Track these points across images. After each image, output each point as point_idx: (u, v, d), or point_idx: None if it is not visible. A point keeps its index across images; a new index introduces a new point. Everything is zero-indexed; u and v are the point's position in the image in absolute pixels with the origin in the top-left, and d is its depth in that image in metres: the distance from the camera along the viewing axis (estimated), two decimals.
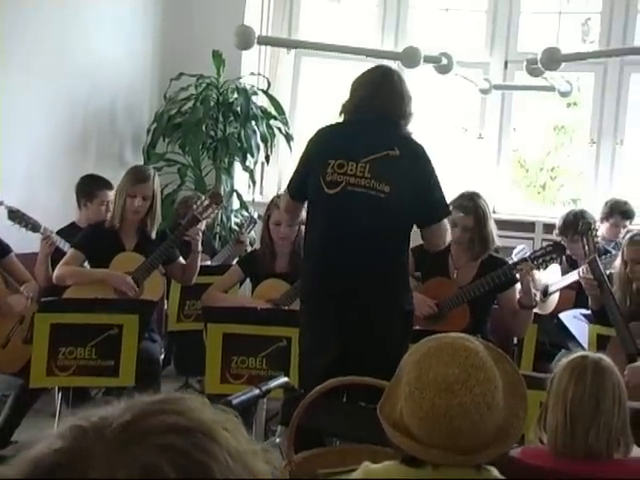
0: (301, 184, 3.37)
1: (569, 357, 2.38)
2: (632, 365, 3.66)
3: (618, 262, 3.92)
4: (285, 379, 2.54)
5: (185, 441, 0.78)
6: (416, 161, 3.23)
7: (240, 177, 6.32)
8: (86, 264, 4.35)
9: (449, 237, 3.47)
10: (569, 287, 4.79)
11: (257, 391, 2.38)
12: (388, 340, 3.18)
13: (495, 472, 1.73)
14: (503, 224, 6.44)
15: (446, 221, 3.37)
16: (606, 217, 5.47)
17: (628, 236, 3.93)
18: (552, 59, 4.74)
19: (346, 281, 3.21)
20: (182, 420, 0.80)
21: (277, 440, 2.52)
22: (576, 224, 4.68)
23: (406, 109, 3.31)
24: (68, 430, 0.81)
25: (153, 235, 4.33)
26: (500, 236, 6.04)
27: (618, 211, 5.40)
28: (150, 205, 4.28)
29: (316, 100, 7.15)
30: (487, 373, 1.70)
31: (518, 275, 4.05)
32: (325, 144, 3.31)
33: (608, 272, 4.17)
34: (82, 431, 0.80)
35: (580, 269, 4.18)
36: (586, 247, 4.00)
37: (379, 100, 3.25)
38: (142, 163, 5.95)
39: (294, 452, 2.41)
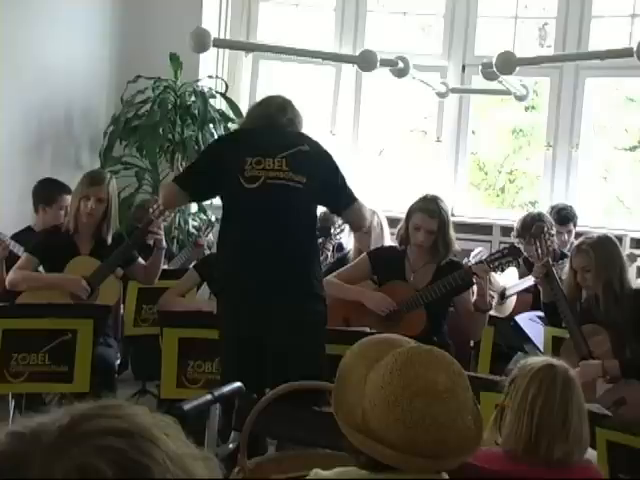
0: (198, 179, 3.52)
1: (532, 362, 2.38)
2: (584, 362, 3.70)
3: (566, 270, 3.96)
4: (239, 384, 2.52)
5: (123, 443, 0.79)
6: (323, 155, 3.52)
7: None
8: (41, 269, 4.30)
9: (369, 216, 3.81)
10: (526, 290, 4.83)
11: (209, 396, 2.36)
12: (307, 326, 3.36)
13: (445, 475, 1.73)
14: (461, 227, 6.50)
15: (360, 201, 3.59)
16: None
17: (575, 244, 3.97)
18: (507, 63, 4.78)
19: (269, 270, 3.34)
20: (121, 423, 0.81)
21: (230, 446, 2.50)
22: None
23: (293, 116, 3.57)
24: (6, 436, 0.81)
25: (109, 239, 4.29)
26: (458, 239, 6.07)
27: (553, 218, 5.48)
28: (105, 209, 4.24)
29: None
30: (465, 380, 1.70)
31: (474, 278, 4.07)
32: (239, 144, 3.50)
33: (564, 277, 4.22)
34: (20, 436, 0.80)
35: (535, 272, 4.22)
36: (539, 250, 4.03)
37: (271, 111, 3.53)
38: (99, 166, 5.90)
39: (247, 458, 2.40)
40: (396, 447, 1.63)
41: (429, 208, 4.16)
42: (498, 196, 8.85)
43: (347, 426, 1.71)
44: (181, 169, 4.69)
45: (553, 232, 4.87)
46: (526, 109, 8.54)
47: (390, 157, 8.53)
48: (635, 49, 4.45)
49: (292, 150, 3.41)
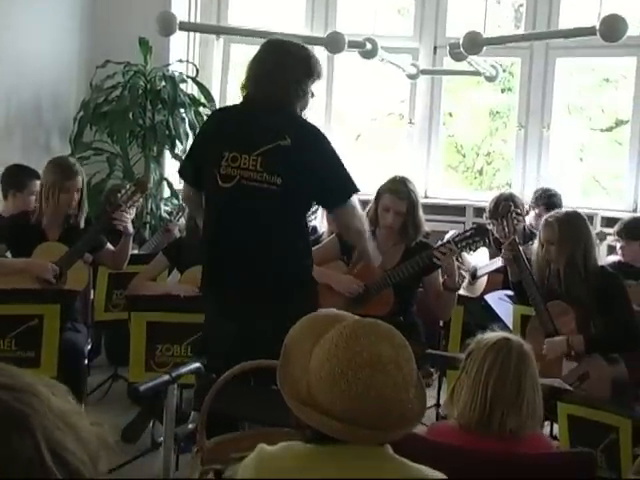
0: (196, 171, 3.35)
1: (488, 336, 2.41)
2: (550, 339, 3.73)
3: (535, 245, 3.98)
4: (197, 365, 2.53)
5: (6, 395, 0.88)
6: (309, 149, 3.16)
7: (171, 165, 6.27)
8: (8, 254, 4.29)
9: (364, 220, 3.45)
10: (497, 270, 4.86)
11: (167, 377, 2.37)
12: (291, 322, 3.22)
13: (389, 447, 1.74)
14: (435, 208, 6.54)
15: (355, 203, 3.28)
16: (532, 206, 5.58)
17: (544, 218, 3.99)
18: (473, 43, 4.78)
19: (240, 273, 3.21)
20: (6, 380, 0.90)
21: (190, 426, 2.51)
22: None
23: (299, 90, 3.20)
24: None
25: (82, 224, 4.30)
26: (432, 220, 6.13)
27: (542, 202, 5.51)
28: (80, 197, 4.27)
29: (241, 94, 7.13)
30: (409, 352, 1.72)
31: (442, 258, 4.08)
32: (219, 134, 3.27)
33: (534, 258, 4.24)
34: None
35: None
36: (505, 229, 4.05)
37: (270, 82, 3.17)
38: (69, 152, 5.87)
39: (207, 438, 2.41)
40: (341, 419, 1.65)
41: (398, 189, 4.17)
42: (476, 178, 8.87)
43: (293, 400, 1.72)
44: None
45: (522, 212, 4.91)
46: (502, 91, 8.56)
47: (367, 140, 8.55)
48: (598, 27, 4.46)
49: (270, 146, 3.13)
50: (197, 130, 5.78)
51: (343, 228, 3.49)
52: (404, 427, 1.71)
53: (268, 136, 3.15)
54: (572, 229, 3.80)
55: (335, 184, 3.24)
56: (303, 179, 3.17)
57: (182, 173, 3.55)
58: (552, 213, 3.96)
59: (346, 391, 1.64)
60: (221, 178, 3.19)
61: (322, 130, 3.28)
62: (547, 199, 5.60)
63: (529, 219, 5.58)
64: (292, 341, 1.81)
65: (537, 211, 5.51)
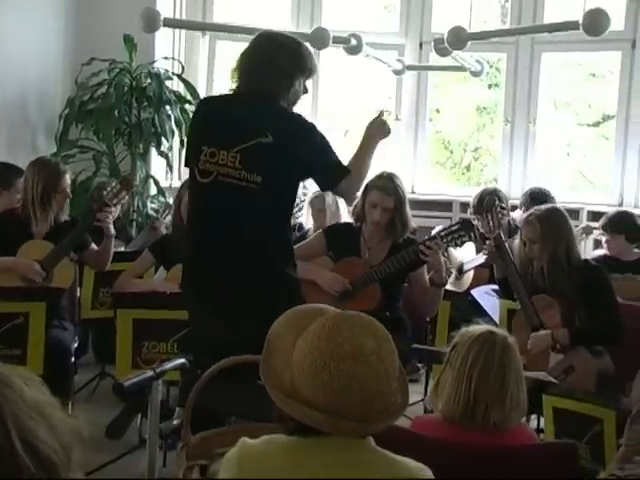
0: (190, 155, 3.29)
1: (472, 329, 2.42)
2: (535, 334, 3.75)
3: (517, 242, 3.99)
4: (182, 360, 2.53)
5: None
6: (292, 145, 3.07)
7: (157, 163, 6.27)
8: None
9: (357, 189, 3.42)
10: (483, 265, 4.87)
11: (151, 373, 2.37)
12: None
13: (371, 440, 1.75)
14: (421, 204, 6.56)
15: (349, 177, 3.16)
16: (522, 206, 5.60)
17: (524, 216, 4.01)
18: (458, 38, 4.79)
19: (221, 271, 3.14)
20: None
21: (175, 422, 2.51)
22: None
23: (289, 85, 3.14)
24: None
25: (63, 218, 4.32)
26: (418, 216, 6.15)
27: (535, 203, 5.51)
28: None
29: (232, 84, 7.12)
30: (392, 345, 1.73)
31: (427, 253, 4.09)
32: (201, 127, 3.22)
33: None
34: None
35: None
36: (490, 223, 4.06)
37: (260, 75, 3.10)
38: (55, 150, 5.86)
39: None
40: (324, 410, 1.65)
41: (385, 186, 4.17)
42: (463, 174, 8.90)
43: (276, 392, 1.73)
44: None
45: (505, 206, 4.93)
46: (489, 86, 8.59)
47: (355, 137, 8.55)
48: (581, 22, 4.48)
49: (250, 143, 3.05)
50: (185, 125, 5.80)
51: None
52: (387, 419, 1.72)
53: (249, 132, 3.07)
54: (553, 226, 3.82)
55: (326, 171, 3.15)
56: (286, 177, 3.10)
57: (185, 162, 3.42)
58: (531, 211, 3.96)
59: (328, 382, 1.65)
60: (199, 173, 3.13)
61: (310, 122, 3.19)
62: (540, 198, 5.61)
63: (518, 218, 5.59)
64: (275, 334, 1.82)
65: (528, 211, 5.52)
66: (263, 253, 3.14)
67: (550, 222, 3.81)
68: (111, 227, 4.26)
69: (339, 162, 3.17)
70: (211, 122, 3.19)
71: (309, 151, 3.10)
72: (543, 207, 3.98)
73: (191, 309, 3.34)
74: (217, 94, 3.44)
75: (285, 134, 3.08)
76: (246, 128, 3.08)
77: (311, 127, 3.15)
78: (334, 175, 3.15)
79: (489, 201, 4.34)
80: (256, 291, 3.13)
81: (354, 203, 4.33)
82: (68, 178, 4.32)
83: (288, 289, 3.19)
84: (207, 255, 3.18)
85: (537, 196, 5.59)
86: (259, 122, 3.08)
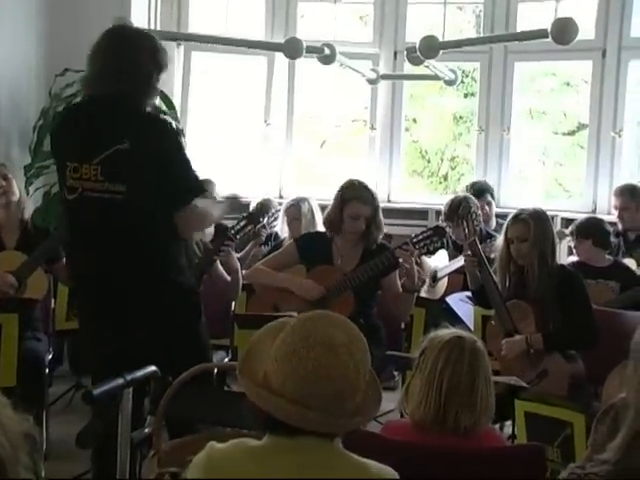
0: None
1: (441, 334, 2.43)
2: (509, 339, 3.77)
3: (500, 242, 4.00)
4: (153, 368, 2.52)
5: None
6: (150, 148, 2.95)
7: None
8: None
9: (205, 222, 3.30)
10: (457, 271, 4.90)
11: (121, 380, 2.36)
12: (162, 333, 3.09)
13: (339, 442, 1.76)
14: (397, 213, 6.60)
15: (199, 206, 3.06)
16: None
17: (512, 214, 4.01)
18: (430, 47, 4.83)
19: (100, 287, 3.07)
20: None
21: (146, 430, 2.50)
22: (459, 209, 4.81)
23: (149, 86, 3.06)
24: None
25: (25, 216, 4.30)
26: (394, 224, 6.18)
27: (472, 193, 5.63)
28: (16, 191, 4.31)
29: (208, 95, 7.15)
30: (364, 344, 1.75)
31: (400, 259, 4.11)
32: (61, 143, 3.11)
33: (492, 255, 4.28)
34: None
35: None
36: (466, 230, 4.09)
37: (119, 79, 2.96)
38: (29, 161, 5.84)
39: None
40: (291, 399, 1.67)
41: (364, 196, 4.18)
42: (441, 183, 8.94)
43: (247, 381, 1.75)
44: None
45: (479, 213, 4.97)
46: (465, 96, 8.65)
47: (332, 147, 8.59)
48: (550, 30, 4.53)
49: (109, 151, 2.92)
50: None
51: (183, 233, 3.14)
52: (355, 418, 1.73)
53: (106, 141, 2.94)
54: (544, 226, 3.86)
55: (178, 186, 3.01)
56: (149, 182, 2.95)
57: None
58: (519, 210, 3.97)
59: (296, 369, 1.67)
60: (67, 190, 3.03)
61: (174, 128, 3.11)
62: (471, 189, 5.80)
63: None
64: (255, 338, 1.85)
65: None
66: (138, 268, 3.02)
67: (542, 221, 3.84)
68: None
69: (197, 177, 3.06)
70: (70, 135, 3.07)
71: (168, 156, 2.97)
72: (530, 208, 3.98)
73: (81, 323, 3.31)
74: (73, 105, 3.32)
75: (142, 137, 2.96)
76: (103, 137, 2.96)
77: (170, 131, 3.04)
78: (190, 190, 3.03)
79: (464, 208, 4.37)
80: (136, 299, 3.06)
81: (327, 212, 4.34)
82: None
83: (174, 301, 3.11)
84: (82, 272, 3.13)
85: (481, 188, 5.81)
86: (115, 129, 2.96)
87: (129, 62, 3.01)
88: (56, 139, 3.22)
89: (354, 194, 4.18)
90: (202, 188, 3.09)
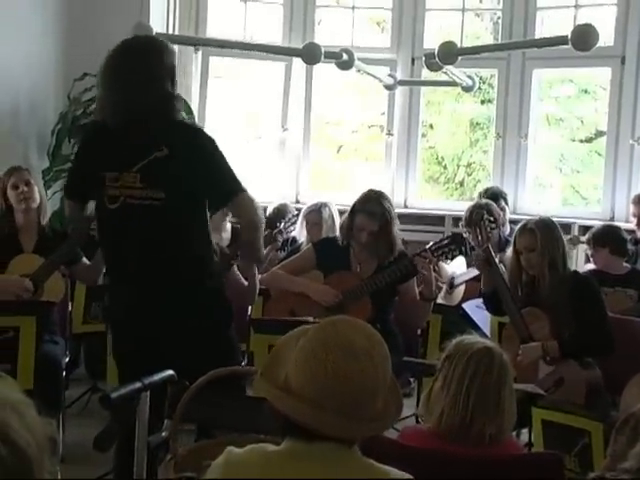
0: (79, 184, 3.27)
1: (468, 342, 2.41)
2: (526, 345, 3.75)
3: (509, 254, 3.99)
4: (170, 372, 2.52)
5: None
6: (189, 155, 3.02)
7: None
8: None
9: (259, 213, 3.26)
10: (475, 279, 4.87)
11: (138, 384, 2.36)
12: (201, 336, 3.14)
13: (357, 449, 1.75)
14: (414, 219, 6.59)
15: (247, 197, 3.13)
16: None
17: (519, 225, 4.01)
18: (448, 53, 4.82)
19: (142, 293, 3.12)
20: None
21: (163, 434, 2.51)
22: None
23: (173, 96, 3.07)
24: None
25: (43, 222, 4.31)
26: (411, 230, 6.18)
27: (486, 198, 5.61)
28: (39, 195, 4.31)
29: (225, 99, 7.17)
30: (386, 350, 1.75)
31: (418, 267, 4.10)
32: (98, 155, 3.14)
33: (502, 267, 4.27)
34: None
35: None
36: (479, 237, 4.07)
37: (144, 93, 2.98)
38: (47, 165, 5.87)
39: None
40: (310, 401, 1.66)
41: (371, 210, 4.16)
42: (457, 189, 8.94)
43: (268, 384, 1.74)
44: None
45: (494, 219, 4.92)
46: (482, 102, 8.65)
47: (349, 153, 8.61)
48: (569, 37, 4.51)
49: (147, 159, 3.00)
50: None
51: (243, 220, 3.24)
52: (374, 424, 1.72)
53: (144, 149, 3.02)
54: (552, 234, 3.84)
55: (222, 183, 3.09)
56: (188, 187, 3.03)
57: (69, 193, 3.37)
58: (526, 221, 3.97)
59: (316, 372, 1.67)
60: (108, 200, 3.09)
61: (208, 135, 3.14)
62: (484, 194, 5.77)
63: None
64: (281, 342, 1.85)
65: None
66: (174, 267, 3.08)
67: (549, 230, 3.83)
68: None
69: (236, 179, 3.11)
70: (105, 147, 3.11)
71: (208, 159, 3.04)
72: (537, 217, 3.98)
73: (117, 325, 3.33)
74: (96, 120, 3.32)
75: (180, 144, 3.03)
76: (141, 146, 3.03)
77: (206, 137, 3.10)
78: (230, 190, 3.09)
79: (477, 215, 4.36)
80: (176, 308, 3.09)
81: (341, 221, 4.35)
82: (24, 174, 4.29)
83: (211, 304, 3.18)
84: (125, 278, 3.17)
85: (489, 191, 5.80)
86: (152, 136, 3.03)
87: (150, 79, 3.01)
88: (88, 152, 3.24)
89: (363, 207, 4.19)
90: (241, 187, 3.11)
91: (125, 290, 3.18)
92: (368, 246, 4.20)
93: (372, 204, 4.19)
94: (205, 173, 3.03)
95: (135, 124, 3.03)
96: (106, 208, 3.10)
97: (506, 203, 6.02)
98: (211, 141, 3.09)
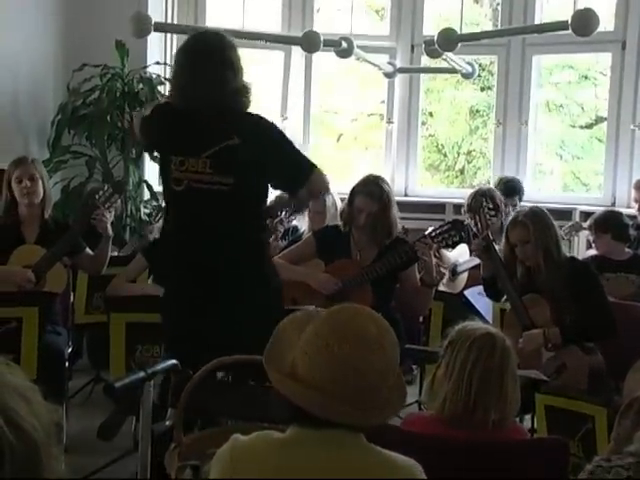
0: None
1: (470, 328, 2.42)
2: (528, 332, 3.76)
3: (502, 245, 3.99)
4: (174, 361, 2.53)
5: None
6: (259, 143, 3.12)
7: (150, 167, 6.27)
8: None
9: (328, 183, 3.41)
10: (477, 266, 4.87)
11: (142, 373, 2.37)
12: (258, 322, 3.09)
13: (363, 437, 1.75)
14: (414, 206, 6.59)
15: (318, 173, 3.24)
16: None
17: (510, 218, 3.99)
18: (448, 40, 4.80)
19: (203, 278, 3.19)
20: None
21: (167, 423, 2.51)
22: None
23: (236, 85, 3.13)
24: None
25: (47, 215, 4.30)
26: (411, 218, 6.16)
27: (500, 190, 5.54)
28: (43, 188, 4.27)
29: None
30: (394, 338, 1.75)
31: (418, 253, 4.10)
32: (164, 138, 3.23)
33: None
34: None
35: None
36: (479, 224, 4.07)
37: (215, 87, 3.08)
38: (47, 156, 5.87)
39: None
40: (320, 389, 1.66)
41: (371, 191, 4.18)
42: (457, 177, 8.92)
43: (275, 373, 1.74)
44: None
45: (495, 206, 4.90)
46: (482, 89, 8.63)
47: (349, 141, 8.59)
48: (570, 22, 4.50)
49: (219, 146, 3.10)
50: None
51: (320, 186, 3.36)
52: (381, 413, 1.73)
53: (215, 137, 3.11)
54: (544, 223, 3.84)
55: (292, 171, 3.22)
56: (256, 176, 3.14)
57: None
58: (516, 213, 3.97)
59: (329, 362, 1.66)
60: (172, 181, 3.18)
61: (274, 121, 3.25)
62: (503, 185, 5.72)
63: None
64: (281, 328, 1.85)
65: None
66: (237, 256, 3.17)
67: (540, 220, 3.82)
68: (109, 228, 4.25)
69: (306, 159, 3.25)
70: (174, 132, 3.19)
71: (275, 149, 3.15)
72: (527, 208, 3.98)
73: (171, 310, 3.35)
74: (164, 104, 3.42)
75: (250, 134, 3.12)
76: (212, 133, 3.12)
77: (273, 126, 3.22)
78: (302, 172, 3.20)
79: (476, 202, 4.36)
80: (232, 293, 3.17)
81: (341, 206, 4.36)
82: (30, 167, 4.26)
83: (266, 288, 3.25)
84: (188, 258, 3.22)
85: (509, 184, 5.71)
86: (223, 127, 3.12)
87: (227, 65, 3.10)
88: (157, 132, 3.29)
89: (362, 188, 4.21)
90: (313, 166, 3.22)
91: (188, 272, 3.23)
92: (367, 229, 4.20)
93: (371, 185, 4.21)
94: (277, 160, 3.16)
95: (208, 114, 3.11)
96: (171, 190, 3.19)
97: (520, 200, 5.90)
98: (277, 128, 3.24)
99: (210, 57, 3.11)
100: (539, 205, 4.23)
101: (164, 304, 3.41)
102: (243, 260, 3.20)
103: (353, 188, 4.26)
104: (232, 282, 3.17)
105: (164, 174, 3.23)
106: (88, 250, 4.34)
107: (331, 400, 1.65)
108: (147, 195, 6.24)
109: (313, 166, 3.22)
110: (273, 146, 3.16)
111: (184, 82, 3.14)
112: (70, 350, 4.41)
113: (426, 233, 4.30)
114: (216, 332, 3.14)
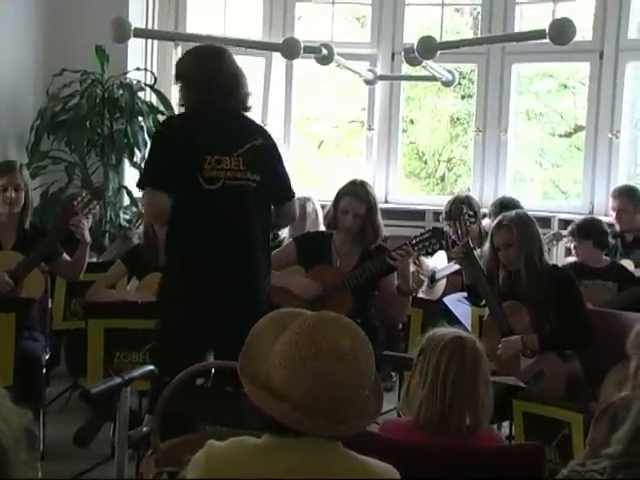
0: (168, 175, 3.29)
1: (440, 333, 2.43)
2: (506, 339, 3.77)
3: (486, 250, 4.00)
4: (151, 367, 2.52)
5: None
6: (272, 148, 3.42)
7: (130, 174, 6.25)
8: None
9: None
10: (456, 273, 4.89)
11: (119, 380, 2.36)
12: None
13: (340, 444, 1.75)
14: (394, 213, 6.60)
15: (294, 202, 3.55)
16: (492, 214, 5.62)
17: (495, 221, 4.02)
18: (428, 47, 4.83)
19: (233, 271, 3.28)
20: None
21: (144, 429, 2.50)
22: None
23: (246, 91, 3.40)
24: None
25: (27, 225, 4.26)
26: (391, 225, 6.17)
27: (505, 211, 5.52)
28: (25, 197, 4.24)
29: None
30: (370, 349, 1.74)
31: (397, 261, 4.11)
32: (195, 140, 3.29)
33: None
34: None
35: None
36: (459, 231, 4.09)
37: (234, 94, 3.34)
38: (27, 161, 5.83)
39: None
40: (295, 405, 1.66)
41: (357, 192, 4.23)
42: (437, 184, 8.96)
43: (250, 385, 1.73)
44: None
45: (474, 213, 4.93)
46: (462, 97, 8.67)
47: (330, 148, 8.61)
48: (547, 31, 4.53)
49: (247, 146, 3.31)
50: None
51: (290, 220, 3.78)
52: (357, 424, 1.72)
53: (244, 137, 3.33)
54: (528, 229, 3.86)
55: (288, 183, 3.48)
56: (271, 176, 3.37)
57: (162, 183, 3.33)
58: (502, 216, 3.98)
59: (302, 377, 1.66)
60: (205, 181, 3.26)
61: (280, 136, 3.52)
62: (499, 202, 5.69)
63: (487, 226, 5.62)
64: (256, 331, 1.83)
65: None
66: (259, 253, 3.35)
67: (525, 225, 3.85)
68: (86, 234, 4.22)
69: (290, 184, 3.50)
70: (205, 134, 3.31)
71: (279, 157, 3.46)
72: (513, 212, 4.00)
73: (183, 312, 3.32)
74: (184, 113, 3.55)
75: (268, 140, 3.42)
76: (240, 134, 3.35)
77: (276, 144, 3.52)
78: (291, 187, 3.48)
79: (456, 209, 4.38)
80: (254, 294, 3.32)
81: (326, 210, 4.38)
82: (15, 176, 4.23)
83: (268, 291, 3.43)
84: (217, 256, 3.28)
85: (508, 205, 5.63)
86: (248, 127, 3.40)
87: (237, 78, 3.36)
88: (187, 136, 3.31)
89: (348, 190, 4.27)
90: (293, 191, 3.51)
91: (210, 268, 3.29)
92: (353, 231, 4.21)
93: (357, 187, 4.27)
94: (280, 166, 3.44)
95: (237, 115, 3.36)
96: (202, 189, 3.25)
97: None
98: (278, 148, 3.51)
99: (231, 61, 3.39)
100: None
101: (179, 301, 3.36)
102: (259, 255, 3.35)
103: (339, 191, 4.31)
104: (248, 278, 3.31)
105: (190, 177, 3.25)
106: (66, 256, 4.31)
107: (306, 415, 1.65)
108: (127, 201, 6.21)
109: (293, 195, 3.51)
110: (278, 153, 3.46)
111: (217, 83, 3.31)
112: (47, 356, 4.37)
113: (407, 241, 4.31)
114: (233, 328, 3.13)
